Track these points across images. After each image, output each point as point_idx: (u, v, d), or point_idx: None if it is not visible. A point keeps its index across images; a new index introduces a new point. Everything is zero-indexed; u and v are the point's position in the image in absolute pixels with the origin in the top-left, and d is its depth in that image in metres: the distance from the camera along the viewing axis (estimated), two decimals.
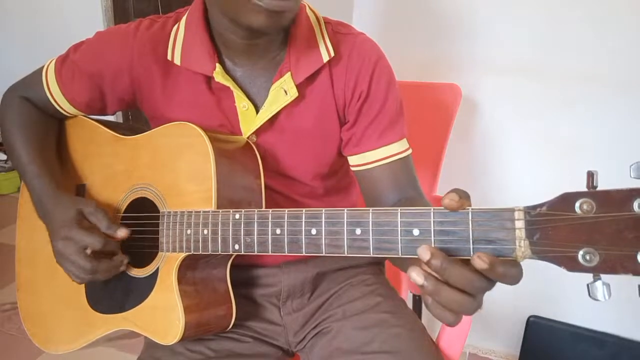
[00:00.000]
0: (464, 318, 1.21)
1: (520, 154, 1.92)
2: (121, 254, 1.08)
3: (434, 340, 1.22)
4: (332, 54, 1.06)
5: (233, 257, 1.07)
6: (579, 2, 1.70)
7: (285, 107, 1.06)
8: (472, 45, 1.86)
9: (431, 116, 1.76)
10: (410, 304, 1.82)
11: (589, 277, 0.59)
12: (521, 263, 0.63)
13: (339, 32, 1.11)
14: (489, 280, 0.65)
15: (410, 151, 1.11)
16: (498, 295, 2.06)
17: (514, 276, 0.63)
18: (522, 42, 1.80)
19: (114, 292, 1.10)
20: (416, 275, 0.66)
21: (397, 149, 1.09)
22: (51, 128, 1.24)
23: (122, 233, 1.05)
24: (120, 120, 2.73)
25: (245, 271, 1.20)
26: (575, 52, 1.75)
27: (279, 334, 1.22)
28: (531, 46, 1.79)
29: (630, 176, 0.56)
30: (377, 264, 1.35)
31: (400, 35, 1.93)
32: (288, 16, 0.93)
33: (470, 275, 0.64)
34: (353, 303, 1.20)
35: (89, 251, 1.02)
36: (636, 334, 1.97)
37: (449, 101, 1.75)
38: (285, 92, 1.04)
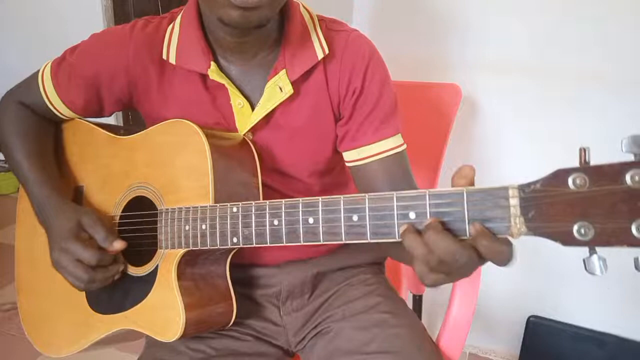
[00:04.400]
0: (464, 317, 1.23)
1: (520, 154, 1.92)
2: (120, 262, 1.08)
3: (434, 340, 1.22)
4: (327, 51, 1.07)
5: (232, 253, 1.08)
6: (579, 1, 1.70)
7: (280, 104, 1.07)
8: (473, 45, 1.86)
9: (431, 116, 1.76)
10: (410, 304, 1.82)
11: (590, 275, 0.60)
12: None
13: (332, 29, 1.11)
14: (477, 254, 0.66)
15: (405, 146, 1.12)
16: (498, 295, 2.09)
17: (498, 251, 0.64)
18: (522, 42, 1.80)
19: (113, 292, 1.10)
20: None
21: (392, 143, 1.10)
22: (48, 132, 1.24)
23: (118, 245, 1.05)
24: (120, 121, 2.72)
25: (245, 271, 1.21)
26: (575, 51, 1.75)
27: (279, 334, 1.23)
28: (531, 46, 1.80)
29: (622, 150, 0.56)
30: (377, 264, 1.36)
31: (401, 35, 1.94)
32: (262, 12, 0.93)
33: (454, 246, 0.66)
34: (353, 303, 1.20)
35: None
36: (636, 334, 1.97)
37: (449, 101, 1.75)
38: (281, 89, 1.05)
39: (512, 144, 1.93)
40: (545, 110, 1.84)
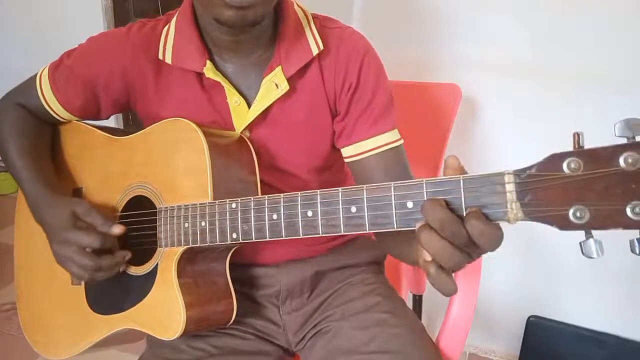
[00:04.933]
0: (464, 317, 1.23)
1: (520, 154, 1.90)
2: (122, 250, 1.09)
3: (434, 340, 1.23)
4: (321, 47, 1.08)
5: (232, 251, 1.08)
6: (579, 1, 1.70)
7: (276, 100, 1.07)
8: (472, 45, 1.86)
9: (431, 116, 1.76)
10: (410, 304, 1.82)
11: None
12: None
13: (326, 26, 1.12)
14: (467, 236, 0.66)
15: (402, 141, 1.12)
16: (498, 295, 2.09)
17: (486, 234, 0.64)
18: (522, 42, 1.80)
19: (114, 292, 1.10)
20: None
21: (389, 138, 1.10)
22: (46, 134, 1.25)
23: (117, 229, 1.06)
24: (121, 123, 2.72)
25: (244, 271, 1.21)
26: (575, 52, 1.75)
27: (280, 334, 1.23)
28: (531, 46, 1.80)
29: (615, 135, 0.57)
30: (376, 264, 1.36)
31: (401, 35, 1.94)
32: (257, 10, 0.94)
33: (446, 215, 0.65)
34: (352, 302, 1.20)
35: (88, 250, 1.04)
36: (636, 334, 1.97)
37: (449, 101, 1.75)
38: (277, 85, 1.06)
39: (512, 144, 1.93)
40: (545, 110, 1.84)
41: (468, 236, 0.65)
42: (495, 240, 0.65)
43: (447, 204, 0.67)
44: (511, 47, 1.83)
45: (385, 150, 1.10)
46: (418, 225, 0.69)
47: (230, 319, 1.09)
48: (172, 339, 1.00)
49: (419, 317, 1.85)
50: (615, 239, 0.60)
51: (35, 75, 1.21)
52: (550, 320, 2.07)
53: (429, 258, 0.70)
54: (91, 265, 1.03)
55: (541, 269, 2.02)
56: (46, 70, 1.20)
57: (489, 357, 2.23)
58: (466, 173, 0.68)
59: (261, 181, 1.08)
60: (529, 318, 2.09)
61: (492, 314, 2.15)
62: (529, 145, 1.88)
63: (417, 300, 1.89)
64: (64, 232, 1.06)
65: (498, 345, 2.24)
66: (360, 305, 1.19)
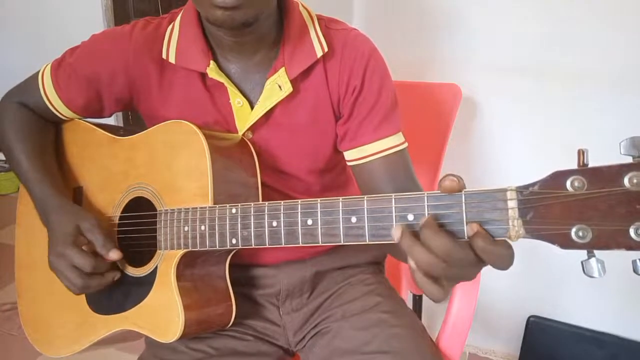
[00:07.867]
0: (464, 317, 1.23)
1: (520, 154, 1.91)
2: (116, 269, 1.09)
3: (434, 340, 1.22)
4: (326, 49, 1.07)
5: (232, 254, 1.08)
6: (579, 2, 1.69)
7: (280, 102, 1.07)
8: (472, 45, 1.86)
9: (431, 116, 1.76)
10: (410, 304, 1.82)
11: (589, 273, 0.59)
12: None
13: (331, 28, 1.11)
14: (475, 256, 0.66)
15: (406, 145, 1.11)
16: (498, 295, 2.09)
17: (498, 255, 0.64)
18: (522, 42, 1.80)
19: (113, 292, 1.10)
20: (394, 230, 0.70)
21: (393, 142, 1.09)
22: (48, 133, 1.24)
23: (114, 255, 1.05)
24: (121, 121, 2.72)
25: (244, 271, 1.21)
26: (575, 51, 1.74)
27: (279, 334, 1.23)
28: (531, 46, 1.79)
29: (620, 153, 0.56)
30: (376, 264, 1.36)
31: (401, 35, 1.93)
32: (246, 12, 0.93)
33: (450, 244, 0.65)
34: (352, 303, 1.20)
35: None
36: (636, 334, 1.97)
37: (449, 101, 1.75)
38: (280, 87, 1.05)
39: (512, 144, 1.93)
40: (545, 110, 1.84)
41: (475, 257, 0.65)
42: (506, 259, 0.65)
43: (442, 225, 0.67)
44: (511, 47, 1.82)
45: (389, 154, 1.09)
46: (398, 234, 0.69)
47: (230, 321, 1.09)
48: (170, 341, 1.00)
49: (419, 317, 1.85)
50: None
51: (37, 73, 1.20)
52: (550, 320, 2.07)
53: (414, 266, 0.70)
54: (79, 284, 1.03)
55: (541, 269, 2.02)
56: (48, 68, 1.19)
57: (489, 357, 2.23)
58: (465, 187, 0.68)
59: (262, 183, 1.07)
60: (529, 318, 2.09)
61: (492, 314, 2.16)
62: (528, 145, 1.89)
63: (417, 300, 1.89)
64: (61, 245, 1.05)
65: (498, 345, 2.24)
66: (360, 306, 1.19)
